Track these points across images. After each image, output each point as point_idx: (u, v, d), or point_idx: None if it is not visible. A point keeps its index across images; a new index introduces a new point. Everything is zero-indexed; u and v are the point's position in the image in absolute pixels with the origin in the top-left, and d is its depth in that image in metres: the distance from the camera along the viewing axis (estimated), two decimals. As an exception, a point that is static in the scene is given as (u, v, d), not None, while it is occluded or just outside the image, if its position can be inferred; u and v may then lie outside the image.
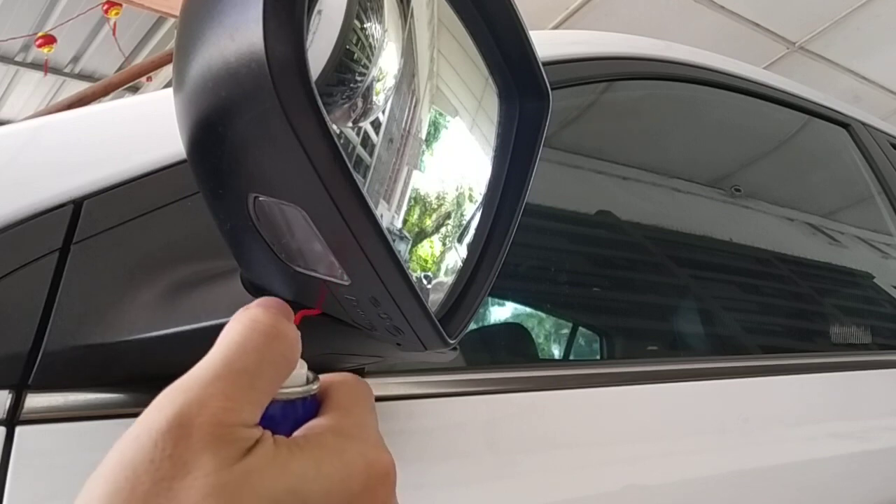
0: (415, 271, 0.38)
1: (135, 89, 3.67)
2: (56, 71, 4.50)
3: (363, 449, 0.28)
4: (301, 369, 0.31)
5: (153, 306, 0.41)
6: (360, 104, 0.33)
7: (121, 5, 3.31)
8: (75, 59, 4.53)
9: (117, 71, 3.77)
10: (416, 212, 0.38)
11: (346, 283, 0.31)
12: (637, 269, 0.93)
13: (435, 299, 0.39)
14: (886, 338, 1.25)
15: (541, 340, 0.85)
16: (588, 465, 0.60)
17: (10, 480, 0.37)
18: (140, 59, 4.07)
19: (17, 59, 4.50)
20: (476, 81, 0.43)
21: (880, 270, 1.38)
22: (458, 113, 0.41)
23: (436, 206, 0.40)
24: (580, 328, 0.90)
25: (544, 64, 0.43)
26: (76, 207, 0.44)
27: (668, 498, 0.64)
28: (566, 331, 0.92)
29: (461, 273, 0.41)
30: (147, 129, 0.51)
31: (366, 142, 0.33)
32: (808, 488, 0.77)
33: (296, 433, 0.29)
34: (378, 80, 0.34)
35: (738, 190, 1.16)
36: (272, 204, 0.29)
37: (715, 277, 1.05)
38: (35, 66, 4.50)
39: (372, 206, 0.28)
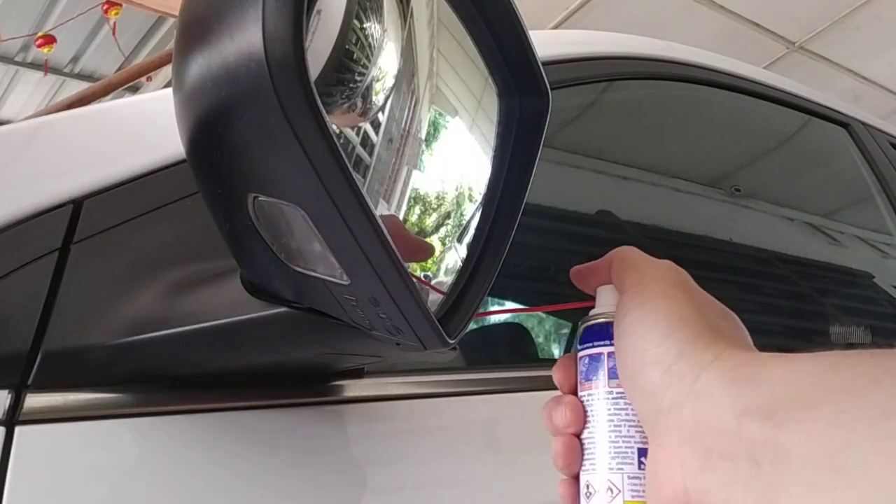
0: (415, 271, 0.38)
1: (135, 89, 3.66)
2: (56, 71, 4.50)
3: None
4: None
5: (153, 306, 0.41)
6: (359, 104, 0.33)
7: (121, 5, 3.31)
8: (75, 59, 4.52)
9: (117, 71, 3.76)
10: (416, 212, 0.38)
11: (346, 283, 0.31)
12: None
13: (435, 299, 0.39)
14: (886, 338, 1.25)
15: (541, 340, 0.85)
16: (588, 464, 0.60)
17: (9, 480, 0.37)
18: (140, 59, 4.07)
19: (16, 58, 4.50)
20: (476, 81, 0.43)
21: (880, 270, 1.38)
22: (457, 113, 0.41)
23: (435, 206, 0.40)
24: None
25: (544, 64, 0.43)
26: (76, 207, 0.44)
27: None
28: (566, 331, 0.92)
29: (461, 273, 0.41)
30: (147, 130, 0.51)
31: (365, 142, 0.33)
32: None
33: None
34: (378, 80, 0.34)
35: (738, 190, 1.16)
36: (272, 204, 0.29)
37: (714, 277, 1.05)
38: (35, 65, 4.49)
39: (372, 206, 0.28)
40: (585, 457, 0.37)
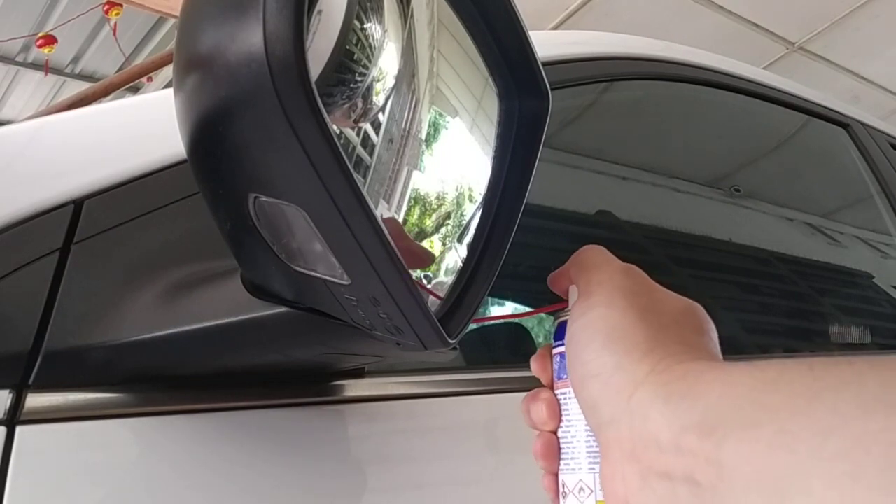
0: (415, 271, 0.38)
1: (135, 89, 3.66)
2: (56, 71, 4.50)
3: None
4: None
5: (153, 306, 0.41)
6: (360, 104, 0.33)
7: (121, 6, 3.31)
8: (76, 60, 4.52)
9: (118, 71, 3.76)
10: (416, 212, 0.38)
11: (346, 283, 0.31)
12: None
13: (435, 299, 0.39)
14: (886, 338, 1.25)
15: (541, 340, 0.85)
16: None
17: (10, 480, 0.37)
18: (140, 60, 4.07)
19: (17, 59, 4.50)
20: (476, 81, 0.43)
21: (880, 270, 1.38)
22: (458, 113, 0.41)
23: (436, 206, 0.40)
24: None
25: (544, 64, 0.43)
26: (76, 207, 0.44)
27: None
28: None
29: (461, 273, 0.41)
30: (147, 130, 0.51)
31: (366, 142, 0.33)
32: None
33: None
34: (378, 81, 0.34)
35: (738, 190, 1.16)
36: (272, 204, 0.29)
37: (714, 277, 1.05)
38: (35, 66, 4.49)
39: (372, 206, 0.28)
40: (561, 456, 0.37)
